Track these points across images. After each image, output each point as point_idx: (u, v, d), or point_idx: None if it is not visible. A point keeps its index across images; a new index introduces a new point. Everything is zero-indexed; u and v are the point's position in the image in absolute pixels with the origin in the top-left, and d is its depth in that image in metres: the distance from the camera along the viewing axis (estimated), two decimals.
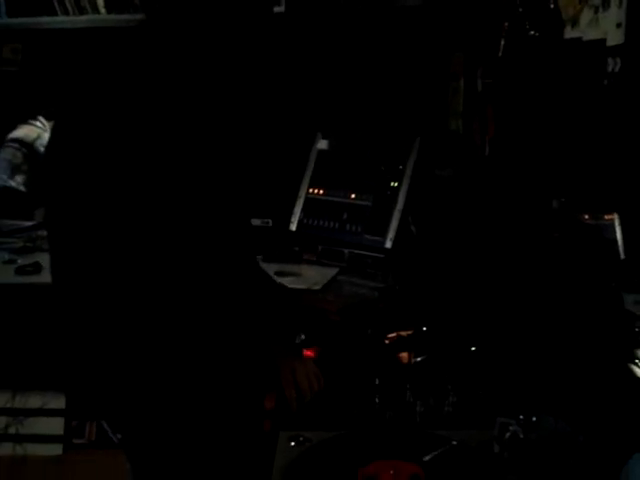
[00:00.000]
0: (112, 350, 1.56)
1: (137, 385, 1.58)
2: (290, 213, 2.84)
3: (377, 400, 1.52)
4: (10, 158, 3.58)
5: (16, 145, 3.56)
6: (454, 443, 1.33)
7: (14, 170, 3.62)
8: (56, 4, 3.34)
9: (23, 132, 3.59)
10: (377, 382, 1.57)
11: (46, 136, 3.55)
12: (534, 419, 1.35)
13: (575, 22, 2.19)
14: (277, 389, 1.56)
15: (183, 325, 1.50)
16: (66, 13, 3.35)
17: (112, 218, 1.46)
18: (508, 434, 1.31)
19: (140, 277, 1.48)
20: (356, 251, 2.67)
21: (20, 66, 3.61)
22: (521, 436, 1.31)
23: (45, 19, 3.39)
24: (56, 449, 3.33)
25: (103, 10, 3.34)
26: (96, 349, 1.58)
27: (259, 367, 1.59)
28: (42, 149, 3.55)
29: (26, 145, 3.57)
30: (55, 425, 3.35)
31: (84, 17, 3.35)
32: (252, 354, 1.58)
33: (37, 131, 3.60)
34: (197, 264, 1.48)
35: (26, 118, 3.61)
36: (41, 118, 3.62)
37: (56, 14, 3.36)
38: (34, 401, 3.34)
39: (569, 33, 2.24)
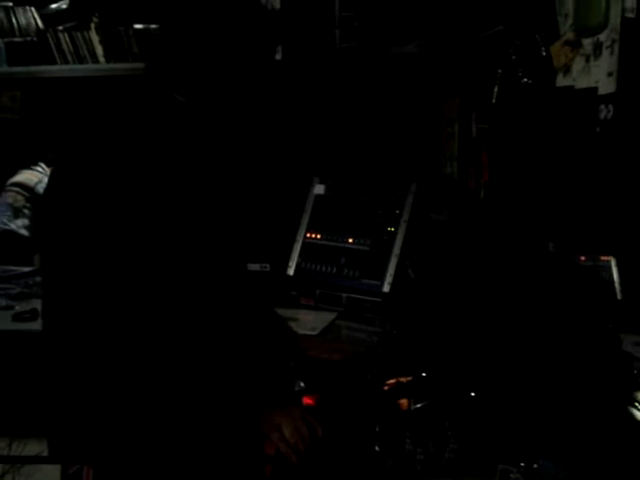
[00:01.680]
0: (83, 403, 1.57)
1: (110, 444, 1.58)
2: (288, 258, 2.84)
3: (377, 448, 1.51)
4: (11, 202, 3.60)
5: (17, 189, 3.58)
6: None
7: (15, 213, 3.63)
8: (56, 53, 3.38)
9: (24, 177, 3.62)
10: (377, 429, 1.56)
11: (46, 180, 3.56)
12: (535, 466, 1.35)
13: (567, 70, 2.22)
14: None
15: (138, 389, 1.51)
16: (65, 62, 3.39)
17: (69, 274, 1.49)
18: None
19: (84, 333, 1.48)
20: (354, 295, 2.67)
21: (19, 114, 3.64)
22: None
23: (45, 68, 3.43)
24: None
25: (102, 59, 3.38)
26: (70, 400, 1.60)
27: (234, 426, 1.57)
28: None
29: (27, 189, 3.60)
30: (52, 472, 3.32)
31: (83, 66, 3.39)
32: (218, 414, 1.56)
33: (38, 175, 3.63)
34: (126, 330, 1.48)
35: (25, 165, 3.64)
36: (42, 164, 3.64)
37: (55, 63, 3.40)
38: (31, 448, 3.31)
39: (561, 81, 2.27)
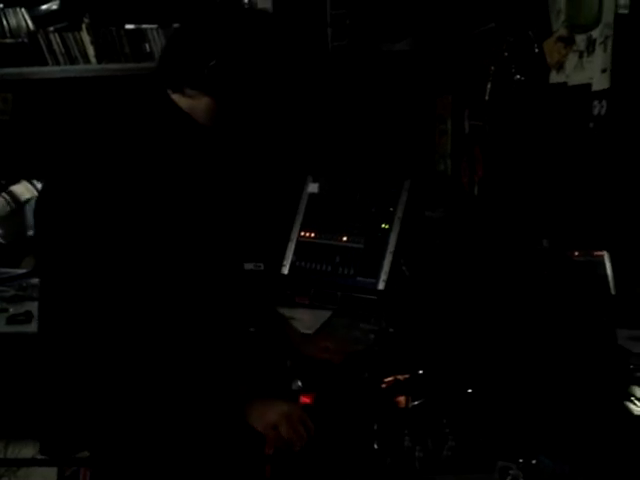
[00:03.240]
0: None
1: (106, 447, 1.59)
2: (282, 257, 2.85)
3: (376, 446, 1.51)
4: None
5: (8, 198, 3.59)
6: None
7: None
8: (47, 54, 3.37)
9: (20, 189, 3.64)
10: (375, 427, 1.57)
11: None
12: (534, 462, 1.35)
13: (560, 67, 2.22)
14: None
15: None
16: (57, 63, 3.38)
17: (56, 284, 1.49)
18: (509, 478, 1.31)
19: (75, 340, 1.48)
20: (349, 293, 2.68)
21: (11, 115, 3.63)
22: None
23: (36, 69, 3.41)
24: None
25: (94, 60, 3.36)
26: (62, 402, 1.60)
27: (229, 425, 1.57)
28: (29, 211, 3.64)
29: (17, 202, 3.62)
30: (49, 475, 3.31)
31: (75, 67, 3.37)
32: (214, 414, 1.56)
33: (33, 193, 3.65)
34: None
35: (17, 167, 3.64)
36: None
37: (47, 64, 3.38)
38: (27, 451, 3.30)
39: (554, 78, 2.27)
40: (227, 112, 1.61)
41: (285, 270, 2.83)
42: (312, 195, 2.89)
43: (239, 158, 1.80)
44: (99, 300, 1.45)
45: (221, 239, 1.69)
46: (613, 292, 2.23)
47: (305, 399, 1.71)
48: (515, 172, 2.58)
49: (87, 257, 1.44)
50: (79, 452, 1.83)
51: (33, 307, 2.79)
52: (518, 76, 2.42)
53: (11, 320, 2.71)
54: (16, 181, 3.82)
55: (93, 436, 1.61)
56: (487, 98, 2.60)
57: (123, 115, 1.59)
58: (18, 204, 3.62)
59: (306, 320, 2.53)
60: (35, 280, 3.23)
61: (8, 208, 3.60)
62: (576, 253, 2.32)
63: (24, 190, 3.64)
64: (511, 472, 1.32)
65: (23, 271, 3.48)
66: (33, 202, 3.58)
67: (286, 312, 2.26)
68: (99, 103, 1.68)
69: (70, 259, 1.45)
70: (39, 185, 3.64)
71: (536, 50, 2.32)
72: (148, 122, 1.57)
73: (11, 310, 2.84)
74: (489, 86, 2.57)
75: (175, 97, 1.58)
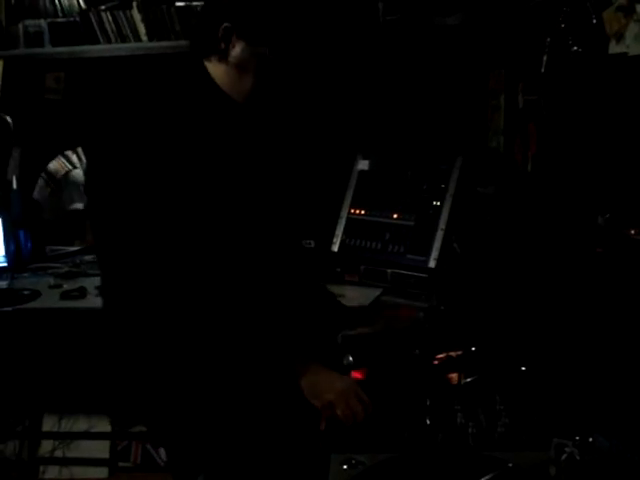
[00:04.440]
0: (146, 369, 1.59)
1: (177, 408, 1.61)
2: (332, 234, 2.83)
3: (428, 422, 1.50)
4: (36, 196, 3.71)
5: (46, 178, 3.68)
6: (510, 465, 1.30)
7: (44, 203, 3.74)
8: (98, 32, 3.38)
9: (55, 167, 3.71)
10: (428, 403, 1.55)
11: (74, 173, 3.69)
12: (590, 440, 1.32)
13: (620, 37, 2.16)
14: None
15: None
16: (108, 41, 3.39)
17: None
18: (565, 456, 1.29)
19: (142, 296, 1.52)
20: (399, 271, 2.66)
21: (63, 94, 3.67)
22: (577, 458, 1.28)
23: (88, 47, 3.43)
24: (102, 472, 3.35)
25: (145, 37, 3.37)
26: (134, 368, 1.62)
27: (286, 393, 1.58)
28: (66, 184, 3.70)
29: (54, 181, 3.69)
30: (101, 448, 3.37)
31: (126, 45, 3.38)
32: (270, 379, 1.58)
33: (67, 167, 3.70)
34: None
35: (69, 146, 3.68)
36: (79, 150, 3.71)
37: (98, 42, 3.40)
38: (80, 424, 3.37)
39: (614, 48, 2.21)
40: (242, 80, 1.60)
41: (335, 247, 2.82)
42: (362, 172, 2.87)
43: (271, 128, 1.79)
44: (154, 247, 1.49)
45: (259, 204, 1.68)
46: None
47: (356, 374, 1.70)
48: (571, 148, 2.52)
49: (140, 207, 1.49)
50: (137, 424, 1.87)
51: (86, 283, 2.84)
52: (575, 47, 2.36)
53: (65, 296, 2.75)
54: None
55: (151, 406, 1.63)
56: (543, 71, 2.54)
57: (162, 83, 1.62)
58: (55, 182, 3.68)
59: (355, 298, 2.52)
60: (88, 257, 3.28)
61: (48, 189, 3.67)
62: (632, 231, 2.27)
63: (59, 167, 3.69)
64: (567, 449, 1.28)
65: (76, 248, 3.54)
66: (70, 176, 3.70)
67: (335, 289, 2.25)
68: (136, 80, 1.70)
69: (125, 215, 1.51)
70: (74, 157, 3.70)
71: (594, 20, 2.26)
72: (182, 88, 1.61)
73: (65, 286, 2.88)
74: (545, 59, 2.51)
75: (207, 64, 1.63)
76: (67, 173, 3.74)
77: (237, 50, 1.58)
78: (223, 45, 1.57)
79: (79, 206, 3.69)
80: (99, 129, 1.60)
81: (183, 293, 1.51)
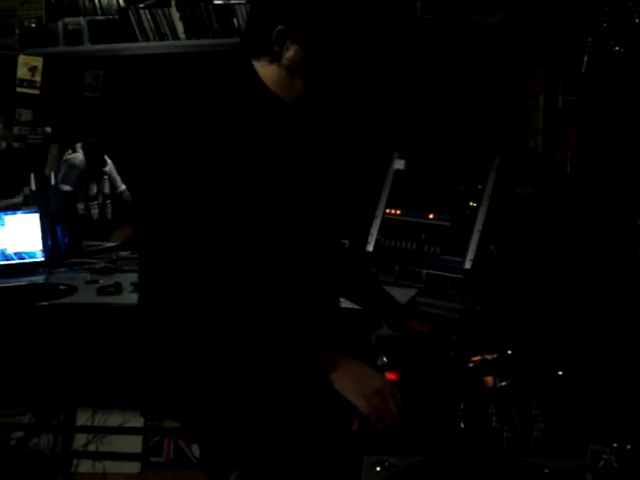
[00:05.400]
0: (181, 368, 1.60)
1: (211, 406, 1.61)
2: (367, 234, 2.82)
3: (463, 425, 1.48)
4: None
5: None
6: (546, 472, 1.28)
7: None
8: (137, 31, 3.42)
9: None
10: (462, 406, 1.54)
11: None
12: (628, 447, 1.30)
13: None
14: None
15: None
16: (147, 39, 3.42)
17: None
18: (602, 462, 1.26)
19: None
20: (434, 272, 2.64)
21: (101, 92, 3.71)
22: (615, 465, 1.26)
23: (126, 45, 3.46)
24: (134, 467, 3.38)
25: (182, 36, 3.40)
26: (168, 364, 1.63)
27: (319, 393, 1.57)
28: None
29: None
30: (134, 443, 3.40)
31: (164, 43, 3.41)
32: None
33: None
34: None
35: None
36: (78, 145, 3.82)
37: (137, 40, 3.43)
38: (114, 419, 3.40)
39: None
40: (293, 82, 1.60)
41: (370, 247, 2.81)
42: (398, 171, 2.86)
43: (317, 130, 1.78)
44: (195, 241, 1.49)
45: (305, 205, 1.68)
46: None
47: (391, 376, 1.69)
48: (611, 149, 2.48)
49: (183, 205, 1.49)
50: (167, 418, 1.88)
51: (122, 279, 2.86)
52: (617, 47, 2.32)
53: (101, 291, 2.78)
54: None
55: (187, 402, 1.64)
56: (583, 71, 2.51)
57: (206, 81, 1.62)
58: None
59: None
60: (124, 253, 3.31)
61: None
62: None
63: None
64: (604, 456, 1.26)
65: (113, 244, 3.58)
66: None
67: None
68: (184, 77, 1.71)
69: (167, 213, 1.50)
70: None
71: (636, 20, 2.22)
72: (227, 87, 1.60)
73: (101, 282, 2.91)
74: (586, 59, 2.48)
75: (255, 64, 1.61)
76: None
77: (291, 53, 1.57)
78: (277, 47, 1.57)
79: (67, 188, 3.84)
80: (149, 127, 1.61)
81: (223, 291, 1.51)
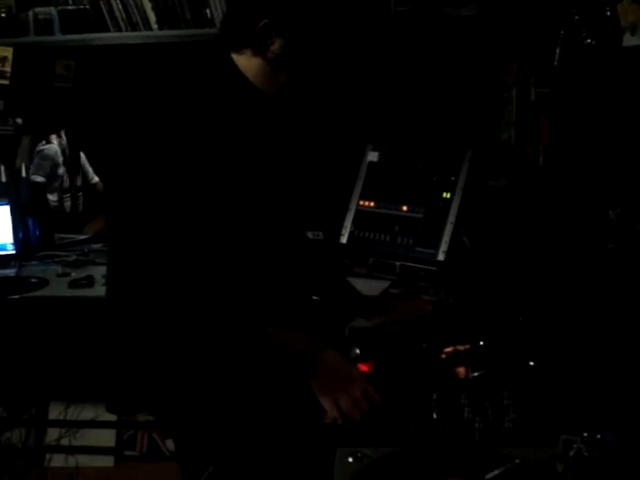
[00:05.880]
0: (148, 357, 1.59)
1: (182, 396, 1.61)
2: (341, 226, 2.82)
3: (435, 416, 1.49)
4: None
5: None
6: (517, 461, 1.29)
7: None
8: (108, 21, 3.38)
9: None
10: (435, 397, 1.54)
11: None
12: (598, 436, 1.31)
13: (635, 29, 2.14)
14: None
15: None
16: (118, 29, 3.39)
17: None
18: (572, 452, 1.27)
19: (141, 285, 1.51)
20: (408, 264, 2.64)
21: (73, 82, 3.67)
22: (585, 454, 1.26)
23: (98, 35, 3.43)
24: (108, 461, 3.36)
25: (155, 26, 3.36)
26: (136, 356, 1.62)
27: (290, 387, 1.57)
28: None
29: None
30: (107, 437, 3.38)
31: (136, 33, 3.38)
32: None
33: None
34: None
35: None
36: (62, 133, 3.77)
37: (108, 30, 3.40)
38: (87, 413, 3.37)
39: (628, 40, 2.19)
40: (277, 75, 1.60)
41: (344, 239, 2.81)
42: (372, 164, 2.86)
43: (291, 122, 1.79)
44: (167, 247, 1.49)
45: (277, 198, 1.68)
46: None
47: (363, 367, 1.69)
48: (583, 141, 2.50)
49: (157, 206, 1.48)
50: (140, 412, 1.87)
51: (94, 272, 2.84)
52: (589, 40, 2.34)
53: (73, 284, 2.75)
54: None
55: (161, 397, 1.63)
56: (556, 64, 2.52)
57: (185, 72, 1.62)
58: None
59: (364, 290, 2.49)
60: (96, 245, 3.28)
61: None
62: None
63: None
64: (574, 446, 1.27)
65: (85, 237, 3.54)
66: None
67: None
68: (160, 68, 1.69)
69: (140, 202, 1.50)
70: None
71: (608, 12, 2.24)
72: (207, 79, 1.60)
73: (73, 275, 2.88)
74: (558, 51, 2.49)
75: (234, 56, 1.61)
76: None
77: (276, 46, 1.58)
78: (261, 41, 1.57)
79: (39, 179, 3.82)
80: (124, 119, 1.59)
81: (193, 283, 1.51)
